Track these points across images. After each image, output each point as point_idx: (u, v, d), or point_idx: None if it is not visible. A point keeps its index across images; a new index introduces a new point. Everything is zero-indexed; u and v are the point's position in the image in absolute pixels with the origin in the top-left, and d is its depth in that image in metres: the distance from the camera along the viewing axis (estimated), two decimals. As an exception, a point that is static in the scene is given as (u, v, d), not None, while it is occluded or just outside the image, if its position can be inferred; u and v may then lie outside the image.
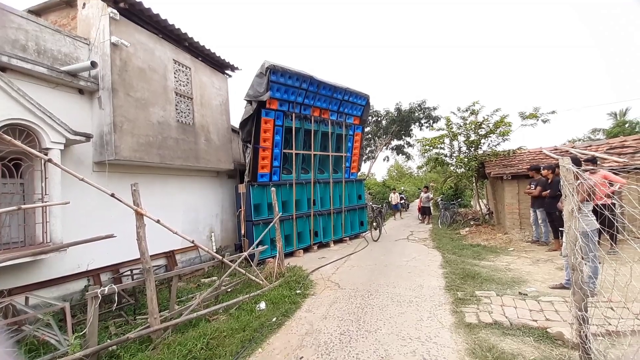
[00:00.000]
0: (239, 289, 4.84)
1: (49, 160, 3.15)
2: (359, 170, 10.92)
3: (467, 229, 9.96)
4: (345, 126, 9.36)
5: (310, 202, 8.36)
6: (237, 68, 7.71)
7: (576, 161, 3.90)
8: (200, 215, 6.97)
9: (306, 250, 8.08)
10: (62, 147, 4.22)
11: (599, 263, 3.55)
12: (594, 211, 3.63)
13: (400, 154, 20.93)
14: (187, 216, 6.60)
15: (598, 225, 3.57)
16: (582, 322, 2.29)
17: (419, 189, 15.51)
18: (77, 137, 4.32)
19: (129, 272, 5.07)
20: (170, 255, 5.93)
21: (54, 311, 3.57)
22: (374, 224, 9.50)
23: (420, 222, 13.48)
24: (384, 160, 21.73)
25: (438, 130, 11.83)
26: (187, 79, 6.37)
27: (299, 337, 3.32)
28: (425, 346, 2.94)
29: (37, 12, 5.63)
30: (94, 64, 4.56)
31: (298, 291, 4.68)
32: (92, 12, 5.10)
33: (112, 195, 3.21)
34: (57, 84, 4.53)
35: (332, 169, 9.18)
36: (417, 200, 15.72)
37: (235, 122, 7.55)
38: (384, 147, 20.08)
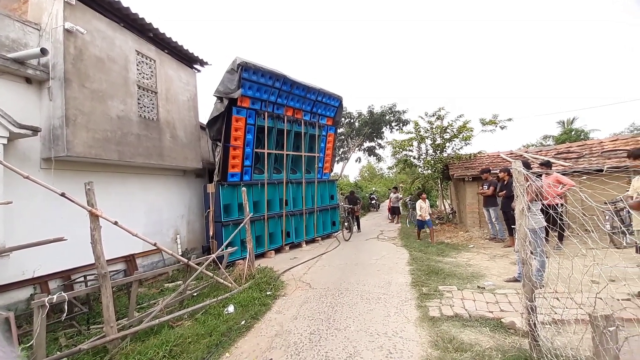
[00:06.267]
0: (206, 293, 4.66)
1: (-14, 156, 2.82)
2: (331, 170, 11.02)
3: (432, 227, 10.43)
4: (318, 127, 9.40)
5: (283, 202, 8.29)
6: (206, 63, 7.43)
7: (526, 164, 4.24)
8: (164, 216, 6.62)
9: (278, 251, 7.99)
10: (5, 141, 3.82)
11: (546, 257, 3.89)
12: (543, 210, 3.98)
13: (372, 155, 21.50)
14: (149, 217, 6.23)
15: (545, 223, 3.92)
16: (531, 311, 2.50)
17: (389, 189, 15.84)
18: (23, 131, 3.91)
19: (82, 279, 4.67)
20: (130, 259, 5.55)
21: (-3, 321, 3.20)
22: (346, 224, 9.64)
23: (390, 221, 13.90)
24: (356, 161, 22.22)
25: (407, 133, 12.33)
26: (152, 71, 6.02)
27: (269, 339, 3.27)
28: (391, 341, 3.03)
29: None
30: (44, 51, 4.16)
31: (268, 292, 4.61)
32: (43, -5, 4.65)
33: (63, 194, 2.95)
34: (1, 72, 4.07)
35: (304, 169, 9.18)
36: (387, 201, 16.06)
37: (205, 119, 7.28)
38: (357, 149, 20.50)
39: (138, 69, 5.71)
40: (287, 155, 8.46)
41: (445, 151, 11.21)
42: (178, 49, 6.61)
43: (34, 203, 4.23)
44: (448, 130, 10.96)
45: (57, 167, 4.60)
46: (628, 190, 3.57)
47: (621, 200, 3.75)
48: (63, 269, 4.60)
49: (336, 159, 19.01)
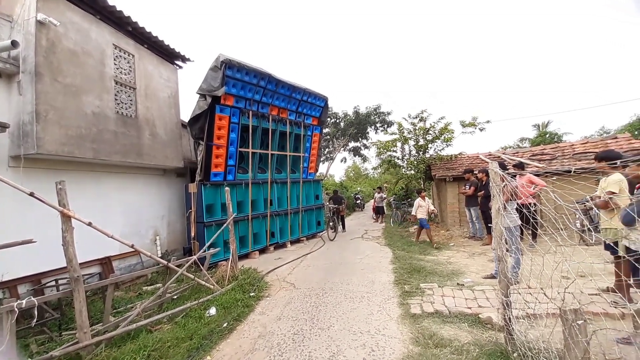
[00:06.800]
0: (187, 296, 4.55)
1: (-55, 152, 2.63)
2: (316, 170, 11.02)
3: (415, 226, 10.64)
4: (304, 126, 9.38)
5: (267, 202, 8.21)
6: (188, 59, 7.25)
7: (502, 165, 4.41)
8: (143, 217, 6.39)
9: (262, 251, 7.91)
10: (-34, 137, 3.56)
11: (521, 255, 4.06)
12: (518, 209, 4.15)
13: (357, 156, 21.69)
14: (127, 218, 6.00)
15: (519, 222, 4.08)
16: (506, 306, 2.60)
17: (373, 189, 16.06)
18: (-13, 127, 3.68)
19: (53, 283, 4.45)
20: (105, 262, 5.33)
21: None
22: (331, 223, 9.68)
23: (375, 221, 14.07)
24: (342, 161, 22.34)
25: (391, 134, 12.56)
26: (130, 67, 5.80)
27: (251, 341, 3.23)
28: (374, 339, 3.07)
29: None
30: (14, 44, 3.94)
31: (252, 294, 4.55)
32: (16, -15, 4.40)
33: (32, 194, 2.80)
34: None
35: (289, 169, 9.13)
36: (372, 201, 16.23)
37: (187, 116, 7.09)
38: (342, 149, 20.62)
39: (115, 64, 5.49)
40: (272, 154, 8.39)
41: (428, 152, 11.49)
42: (158, 44, 6.40)
43: (1, 203, 3.99)
44: (430, 132, 11.23)
45: (27, 166, 4.36)
46: (597, 191, 3.78)
47: (589, 200, 3.97)
48: (33, 273, 4.36)
49: (321, 159, 19.06)
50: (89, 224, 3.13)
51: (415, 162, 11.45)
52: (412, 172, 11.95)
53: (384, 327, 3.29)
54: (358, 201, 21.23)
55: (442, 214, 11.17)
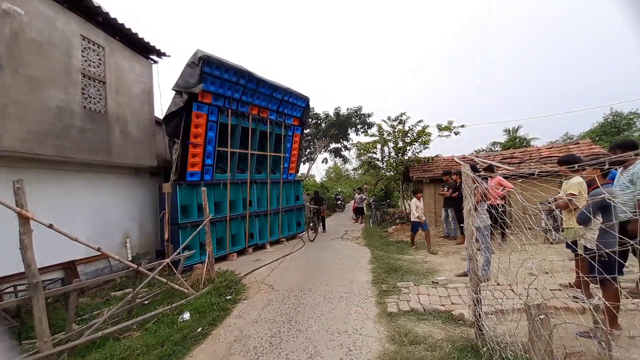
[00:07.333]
0: (159, 300, 4.36)
1: None
2: (297, 171, 10.96)
3: (393, 227, 10.87)
4: (285, 126, 9.31)
5: (246, 202, 8.07)
6: (164, 54, 6.97)
7: (473, 167, 4.59)
8: (112, 218, 6.06)
9: (240, 253, 7.75)
10: None
11: (490, 253, 4.25)
12: (488, 210, 4.34)
13: (338, 157, 21.86)
14: (94, 220, 5.67)
15: (489, 222, 4.27)
16: (476, 303, 2.71)
17: (354, 190, 16.29)
18: None
19: (12, 289, 4.12)
20: (69, 267, 5.00)
21: None
22: (311, 224, 9.66)
23: (355, 221, 14.21)
24: (323, 162, 22.42)
25: (372, 136, 12.74)
26: (100, 60, 5.50)
27: (227, 346, 3.15)
28: (351, 338, 3.10)
29: None
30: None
31: (228, 297, 4.45)
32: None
33: (-16, 194, 2.57)
34: None
35: (270, 169, 9.03)
36: (352, 202, 16.38)
37: (162, 113, 6.82)
38: (323, 149, 20.70)
39: (83, 56, 5.18)
40: (251, 154, 8.26)
41: (406, 154, 11.76)
42: (132, 36, 6.10)
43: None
44: (409, 135, 11.51)
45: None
46: (560, 193, 4.03)
47: (551, 201, 4.22)
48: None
49: (302, 160, 19.01)
50: (50, 226, 2.93)
51: (395, 164, 11.69)
52: (391, 173, 12.19)
53: (361, 327, 3.33)
54: (339, 202, 21.36)
55: (420, 215, 11.46)
